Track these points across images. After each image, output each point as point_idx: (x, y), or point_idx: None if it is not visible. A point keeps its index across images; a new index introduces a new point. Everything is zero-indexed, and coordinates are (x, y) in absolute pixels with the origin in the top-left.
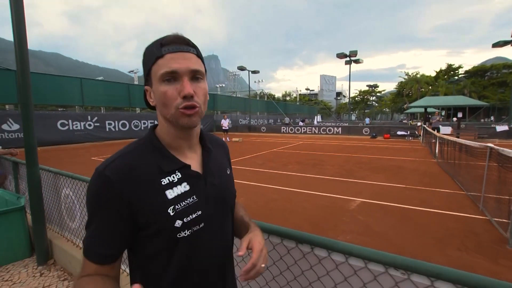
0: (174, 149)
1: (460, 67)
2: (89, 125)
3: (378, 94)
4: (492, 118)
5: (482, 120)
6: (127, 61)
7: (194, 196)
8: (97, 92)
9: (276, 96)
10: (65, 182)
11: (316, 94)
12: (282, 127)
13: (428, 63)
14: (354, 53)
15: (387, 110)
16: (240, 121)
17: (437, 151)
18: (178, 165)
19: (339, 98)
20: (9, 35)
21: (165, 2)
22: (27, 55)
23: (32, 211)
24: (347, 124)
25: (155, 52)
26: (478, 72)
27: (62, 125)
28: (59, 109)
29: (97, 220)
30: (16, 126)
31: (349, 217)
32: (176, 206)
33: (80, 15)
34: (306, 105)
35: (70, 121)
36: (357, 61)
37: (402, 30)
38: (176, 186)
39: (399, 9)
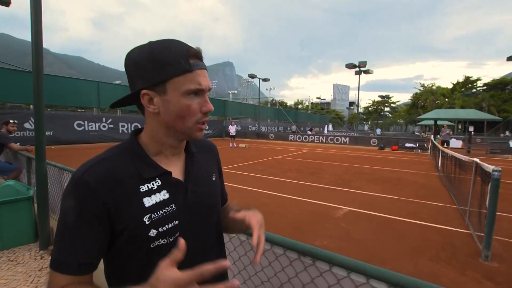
0: (157, 155)
1: (478, 79)
2: (104, 126)
3: (392, 104)
4: (507, 133)
5: (502, 134)
6: None
7: (173, 205)
8: (113, 95)
9: (288, 104)
10: (68, 177)
11: (329, 103)
12: (290, 135)
13: (447, 75)
14: (363, 64)
15: (401, 121)
16: (250, 128)
17: (439, 164)
18: (158, 172)
19: (351, 107)
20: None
21: (184, 10)
22: (41, 59)
23: (38, 201)
24: (355, 134)
25: (183, 63)
26: (498, 85)
27: (79, 125)
28: (79, 110)
29: (75, 228)
30: None
31: (332, 223)
32: (153, 215)
33: (103, 21)
34: (318, 113)
35: (86, 122)
36: (367, 72)
37: (420, 41)
38: (154, 194)
39: (417, 19)
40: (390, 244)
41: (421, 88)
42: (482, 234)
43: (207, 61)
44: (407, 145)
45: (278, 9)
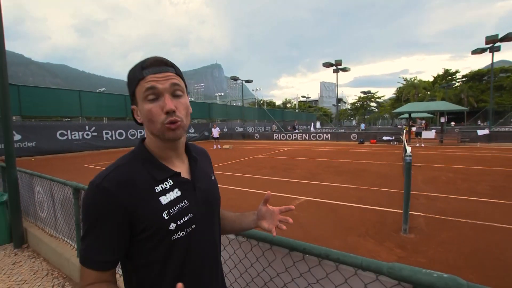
0: (163, 159)
1: (457, 71)
2: (87, 134)
3: (378, 99)
4: (479, 122)
5: (482, 123)
6: None
7: (186, 201)
8: (95, 104)
9: (276, 104)
10: (37, 181)
11: (317, 101)
12: (275, 134)
13: (431, 68)
14: (339, 62)
15: (387, 115)
16: (236, 129)
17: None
18: (169, 173)
19: (338, 104)
20: (18, 49)
21: (170, 14)
22: (5, 70)
23: (10, 205)
24: (336, 130)
25: (137, 75)
26: (475, 77)
27: (61, 135)
28: (64, 120)
29: (97, 229)
30: (18, 137)
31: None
32: (170, 211)
33: (87, 27)
34: (306, 112)
35: (69, 131)
36: (344, 69)
37: (405, 36)
38: (168, 193)
39: (401, 16)
40: (328, 226)
41: (404, 82)
42: (412, 212)
43: (195, 64)
44: (384, 138)
45: (264, 10)
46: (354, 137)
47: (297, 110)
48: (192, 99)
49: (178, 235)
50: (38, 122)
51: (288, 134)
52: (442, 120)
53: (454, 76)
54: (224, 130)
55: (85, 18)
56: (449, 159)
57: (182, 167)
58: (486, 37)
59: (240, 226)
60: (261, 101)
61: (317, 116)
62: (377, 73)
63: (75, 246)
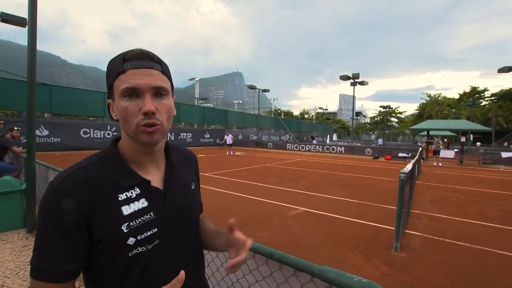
0: (135, 163)
1: (485, 89)
2: (108, 134)
3: (399, 115)
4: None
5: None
6: None
7: (152, 213)
8: None
9: (294, 114)
10: (52, 173)
11: (335, 113)
12: (288, 144)
13: (459, 85)
14: (357, 75)
15: (408, 131)
16: (251, 137)
17: (416, 172)
18: (137, 181)
19: (357, 117)
20: (56, 51)
21: (197, 23)
22: (34, 72)
23: (27, 193)
24: (350, 144)
25: (117, 67)
26: (506, 95)
27: (85, 133)
28: (90, 119)
29: (53, 236)
30: (45, 132)
31: (281, 220)
32: (131, 223)
33: (118, 33)
34: (323, 123)
35: (91, 129)
36: (362, 83)
37: (431, 51)
38: (133, 202)
39: (427, 30)
40: (319, 238)
41: (428, 99)
42: (406, 231)
43: (217, 72)
44: (400, 154)
45: (288, 21)
46: (368, 152)
47: (314, 122)
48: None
49: (137, 250)
50: (65, 120)
51: (301, 145)
52: (463, 139)
53: (482, 94)
54: (239, 137)
55: (117, 25)
56: (465, 181)
57: (156, 174)
58: None
59: (214, 244)
60: (279, 111)
61: (335, 128)
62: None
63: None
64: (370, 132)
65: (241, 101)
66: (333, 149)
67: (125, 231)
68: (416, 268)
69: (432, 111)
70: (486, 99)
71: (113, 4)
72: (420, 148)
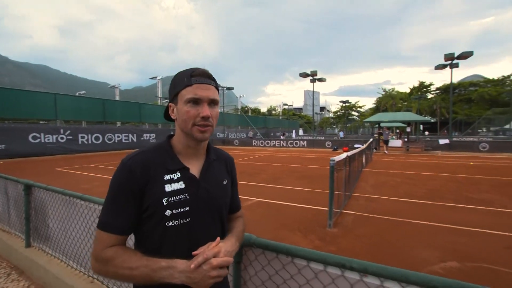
0: (182, 154)
1: (431, 84)
2: (62, 138)
3: (359, 109)
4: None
5: (454, 133)
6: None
7: (186, 194)
8: (72, 107)
9: (261, 111)
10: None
11: (301, 109)
12: (254, 141)
13: (411, 80)
14: (315, 73)
15: (368, 124)
16: (218, 135)
17: (363, 160)
18: (179, 166)
19: (321, 112)
20: None
21: (159, 18)
22: None
23: None
24: (312, 138)
25: (185, 81)
26: (448, 89)
27: (34, 138)
28: (40, 122)
29: (118, 198)
30: None
31: None
32: (170, 199)
33: (71, 28)
34: (290, 119)
35: (42, 134)
36: (320, 80)
37: (387, 48)
38: (174, 183)
39: (384, 29)
40: (267, 223)
41: (383, 93)
42: (343, 211)
43: (181, 69)
44: (356, 145)
45: (254, 19)
46: (328, 145)
47: (280, 118)
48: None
49: (172, 223)
50: (9, 124)
51: (266, 141)
52: (408, 129)
53: (429, 88)
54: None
55: (69, 19)
56: (406, 166)
57: (195, 165)
58: (445, 55)
59: None
60: (246, 108)
61: (300, 123)
62: (361, 83)
63: (24, 237)
64: (334, 126)
65: None
66: (296, 144)
67: (165, 204)
68: (343, 240)
69: (387, 104)
70: (432, 92)
71: None
72: (371, 139)
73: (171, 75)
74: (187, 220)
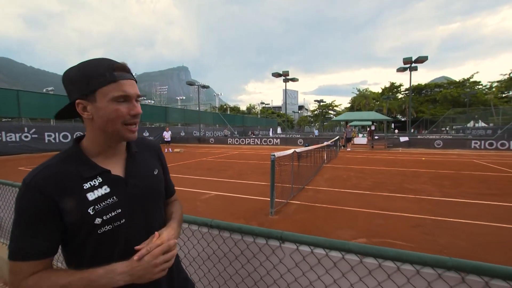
0: (98, 157)
1: (401, 85)
2: (26, 136)
3: (335, 108)
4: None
5: (422, 131)
6: None
7: (114, 197)
8: (38, 104)
9: (241, 109)
10: None
11: (280, 107)
12: (229, 139)
13: (386, 80)
14: (286, 73)
15: (343, 123)
16: (194, 133)
17: (325, 156)
18: (97, 171)
19: (299, 111)
20: None
21: (135, 12)
22: None
23: None
24: (286, 136)
25: (107, 76)
26: (415, 90)
27: None
28: (3, 120)
29: (31, 223)
30: None
31: (190, 203)
32: (96, 206)
33: (38, 18)
34: (269, 117)
35: (3, 132)
36: (293, 79)
37: (364, 49)
38: (97, 189)
39: (361, 31)
40: (218, 213)
41: (358, 93)
42: (291, 201)
43: (161, 66)
44: (325, 143)
45: (235, 16)
46: (300, 142)
47: (259, 116)
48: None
49: (105, 228)
50: None
51: (241, 139)
52: (373, 128)
53: (399, 88)
54: (181, 134)
55: (36, 8)
56: (365, 162)
57: (117, 164)
58: (404, 59)
59: None
60: (225, 106)
61: (279, 122)
62: (339, 82)
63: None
64: (312, 124)
65: (184, 97)
66: (270, 141)
67: (92, 213)
68: (278, 224)
69: (360, 104)
70: (402, 92)
71: None
72: (337, 137)
73: (148, 71)
74: (122, 221)
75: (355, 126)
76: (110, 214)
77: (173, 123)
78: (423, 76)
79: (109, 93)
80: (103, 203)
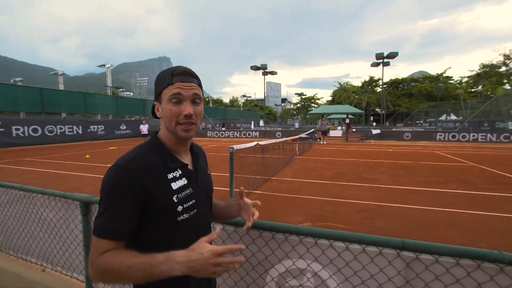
0: (173, 151)
1: (379, 79)
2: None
3: (317, 101)
4: (395, 123)
5: (398, 124)
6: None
7: (190, 188)
8: (4, 96)
9: (224, 102)
10: None
11: (263, 100)
12: (208, 132)
13: (367, 74)
14: (264, 66)
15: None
16: None
17: (297, 148)
18: (179, 164)
19: (283, 104)
20: None
21: None
22: None
23: None
24: (264, 129)
25: (167, 79)
26: (393, 84)
27: None
28: None
29: (118, 204)
30: None
31: None
32: (179, 195)
33: (7, 3)
34: (251, 110)
35: None
36: (272, 73)
37: (348, 43)
38: (178, 180)
39: (344, 24)
40: None
41: (338, 86)
42: (255, 191)
43: (141, 56)
44: (302, 136)
45: (219, 5)
46: (278, 135)
47: (241, 109)
48: (131, 94)
49: (184, 216)
50: None
51: (221, 132)
52: (347, 121)
53: (378, 82)
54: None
55: None
56: (336, 154)
57: (187, 160)
58: (376, 54)
59: (229, 214)
60: (207, 99)
61: (261, 114)
62: (324, 75)
63: None
64: (295, 117)
65: None
66: (249, 134)
67: (176, 201)
68: None
69: (341, 97)
70: (380, 86)
71: None
72: (312, 130)
73: (128, 62)
74: (194, 211)
75: (335, 119)
76: (188, 203)
77: (151, 116)
78: (403, 70)
79: (167, 95)
80: (183, 193)
